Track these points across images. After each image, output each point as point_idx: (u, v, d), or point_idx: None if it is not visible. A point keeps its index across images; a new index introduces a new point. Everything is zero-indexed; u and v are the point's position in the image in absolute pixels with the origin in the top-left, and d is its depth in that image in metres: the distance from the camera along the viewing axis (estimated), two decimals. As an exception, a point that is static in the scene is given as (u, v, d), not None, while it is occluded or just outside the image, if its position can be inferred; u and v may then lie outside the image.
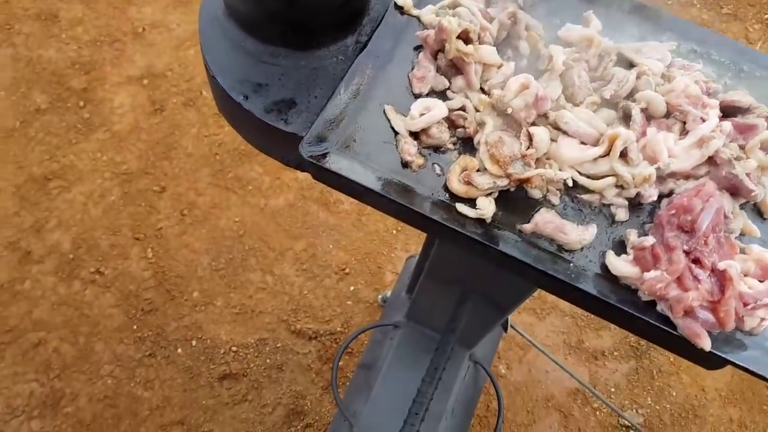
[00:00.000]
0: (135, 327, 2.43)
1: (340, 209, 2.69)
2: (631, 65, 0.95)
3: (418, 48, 0.97)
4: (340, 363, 2.39)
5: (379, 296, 2.49)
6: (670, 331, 0.79)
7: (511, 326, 1.92)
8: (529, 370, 2.45)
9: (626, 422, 2.37)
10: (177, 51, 3.05)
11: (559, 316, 2.57)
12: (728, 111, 0.93)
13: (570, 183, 0.85)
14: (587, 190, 0.87)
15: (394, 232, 2.67)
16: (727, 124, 0.89)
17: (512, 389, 2.40)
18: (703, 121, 0.88)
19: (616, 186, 0.87)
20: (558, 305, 2.58)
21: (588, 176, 0.87)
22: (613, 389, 2.46)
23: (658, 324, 0.80)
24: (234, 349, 2.39)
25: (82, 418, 2.26)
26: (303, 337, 2.43)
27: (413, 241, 2.65)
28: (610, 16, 1.02)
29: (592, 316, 2.53)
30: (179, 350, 2.39)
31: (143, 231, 2.61)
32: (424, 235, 2.62)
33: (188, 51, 3.04)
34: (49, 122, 2.85)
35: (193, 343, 2.41)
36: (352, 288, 2.54)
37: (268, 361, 2.38)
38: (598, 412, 2.41)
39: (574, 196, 0.88)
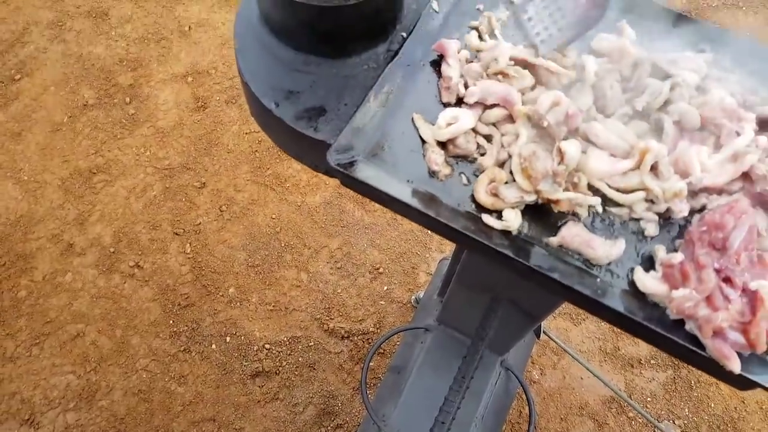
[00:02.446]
0: (171, 321, 2.48)
1: (376, 208, 2.70)
2: (665, 76, 0.93)
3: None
4: (371, 363, 2.40)
5: (413, 297, 2.49)
6: (699, 351, 0.77)
7: (544, 333, 1.90)
8: (563, 376, 2.42)
9: (662, 433, 2.33)
10: (221, 49, 3.10)
11: (595, 321, 2.53)
12: (765, 125, 0.90)
13: (599, 210, 0.84)
14: (616, 204, 0.86)
15: (429, 232, 2.66)
16: (764, 139, 0.86)
17: (545, 395, 2.38)
18: (738, 135, 0.85)
19: (647, 200, 0.85)
20: (594, 312, 2.54)
21: (618, 189, 0.85)
22: (649, 399, 2.41)
23: (685, 344, 0.78)
24: (267, 346, 2.42)
25: (116, 412, 2.32)
26: (335, 336, 2.44)
27: (448, 242, 2.64)
28: (645, 25, 1.00)
29: (629, 323, 2.49)
30: (213, 346, 2.43)
31: (182, 226, 2.66)
32: (460, 237, 2.61)
33: (232, 49, 3.07)
34: (95, 117, 2.92)
35: (228, 339, 2.44)
36: (385, 288, 2.54)
37: (300, 359, 2.40)
38: (633, 422, 2.36)
39: (603, 210, 0.86)
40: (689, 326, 0.79)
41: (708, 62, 0.95)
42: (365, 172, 0.86)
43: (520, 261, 0.81)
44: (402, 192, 0.86)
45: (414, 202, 0.85)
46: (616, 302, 0.80)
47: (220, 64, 3.06)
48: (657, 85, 0.90)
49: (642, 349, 2.50)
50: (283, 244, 2.62)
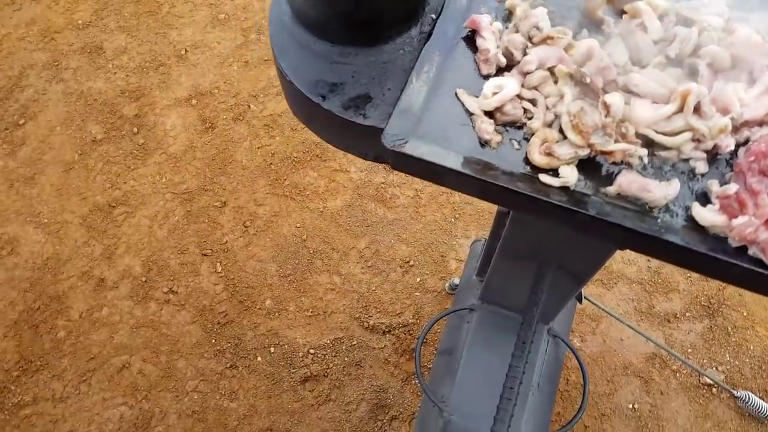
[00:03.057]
0: (213, 341, 2.51)
1: (397, 204, 2.74)
2: (690, 23, 0.97)
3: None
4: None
5: (446, 284, 2.53)
6: (766, 272, 0.81)
7: (586, 298, 1.94)
8: (604, 340, 2.45)
9: (708, 380, 2.36)
10: (220, 68, 3.13)
11: (627, 284, 2.57)
12: (794, 56, 0.94)
13: (645, 161, 0.88)
14: (665, 148, 0.89)
15: (453, 220, 2.70)
16: (795, 68, 0.90)
17: (589, 360, 2.41)
18: (770, 68, 0.89)
19: (693, 140, 0.89)
20: (625, 273, 2.58)
21: (664, 134, 0.89)
22: (690, 350, 2.45)
23: (752, 267, 0.81)
24: (312, 351, 2.46)
25: (175, 434, 2.36)
26: (377, 332, 2.48)
27: (473, 227, 2.68)
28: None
29: (659, 280, 2.53)
30: (259, 358, 2.47)
31: (210, 247, 2.70)
32: (484, 219, 2.66)
33: (231, 67, 3.13)
34: (106, 151, 2.96)
35: (272, 350, 2.48)
36: (418, 279, 2.58)
37: (346, 359, 2.44)
38: (677, 374, 2.40)
39: (653, 154, 0.90)
40: (752, 251, 0.82)
41: (729, 5, 0.99)
42: (421, 150, 0.90)
43: (584, 212, 0.85)
44: (458, 164, 0.89)
45: (471, 172, 0.88)
46: (678, 238, 0.84)
47: (222, 83, 3.10)
48: (685, 32, 0.94)
49: (675, 303, 2.53)
50: (311, 251, 2.66)
